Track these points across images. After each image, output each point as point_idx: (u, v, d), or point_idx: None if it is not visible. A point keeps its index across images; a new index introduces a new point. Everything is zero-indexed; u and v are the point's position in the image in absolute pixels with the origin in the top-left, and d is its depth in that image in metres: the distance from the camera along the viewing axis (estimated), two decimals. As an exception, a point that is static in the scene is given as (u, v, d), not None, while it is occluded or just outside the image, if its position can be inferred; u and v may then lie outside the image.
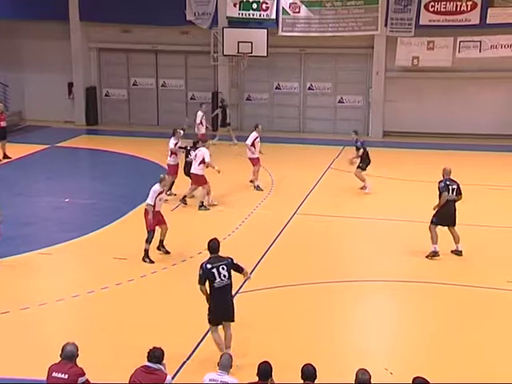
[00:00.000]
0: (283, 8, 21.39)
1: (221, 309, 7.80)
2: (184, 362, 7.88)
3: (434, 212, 11.22)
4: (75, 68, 23.36)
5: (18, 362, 7.95)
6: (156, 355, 6.08)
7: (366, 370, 5.91)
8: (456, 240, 11.31)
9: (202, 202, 14.02)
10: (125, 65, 23.99)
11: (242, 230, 12.87)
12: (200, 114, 18.70)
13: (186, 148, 14.58)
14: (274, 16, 21.51)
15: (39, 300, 9.52)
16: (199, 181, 13.91)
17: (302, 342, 8.48)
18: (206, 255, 11.33)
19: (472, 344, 8.44)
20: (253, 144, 15.53)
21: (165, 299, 9.75)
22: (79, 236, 12.29)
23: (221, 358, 6.26)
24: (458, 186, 11.28)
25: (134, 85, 24.17)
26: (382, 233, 12.90)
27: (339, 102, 23.18)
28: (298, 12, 21.33)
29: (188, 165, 14.36)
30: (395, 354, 8.35)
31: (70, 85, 23.70)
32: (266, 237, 12.37)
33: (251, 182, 15.66)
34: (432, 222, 11.18)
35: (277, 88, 23.46)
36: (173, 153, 14.47)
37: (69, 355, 6.08)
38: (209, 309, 7.84)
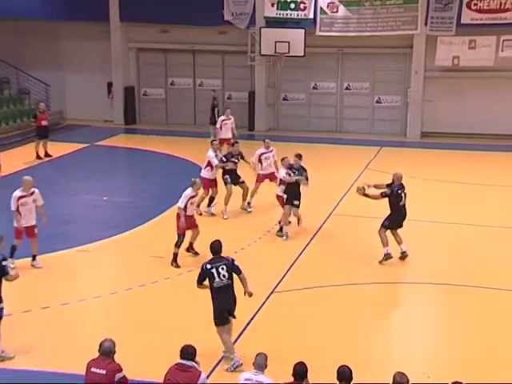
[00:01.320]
0: (321, 8, 21.27)
1: (223, 308, 7.88)
2: (219, 361, 7.91)
3: (386, 216, 11.33)
4: (114, 68, 23.70)
5: (58, 356, 8.11)
6: (189, 352, 6.12)
7: (403, 373, 5.84)
8: (399, 242, 11.29)
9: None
10: (163, 65, 24.23)
11: (275, 230, 12.85)
12: (221, 118, 18.20)
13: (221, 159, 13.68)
14: (311, 16, 21.42)
15: (78, 296, 9.69)
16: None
17: (337, 343, 8.43)
18: (238, 256, 11.46)
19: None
20: (259, 160, 13.83)
21: (201, 297, 9.77)
22: (117, 234, 12.46)
23: (256, 357, 6.26)
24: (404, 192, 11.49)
25: (171, 84, 24.38)
26: (418, 234, 12.72)
27: (377, 102, 22.96)
28: (336, 12, 21.19)
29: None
30: (433, 357, 8.22)
31: (110, 84, 24.05)
32: (301, 237, 12.33)
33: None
34: (383, 226, 11.22)
35: (314, 88, 23.37)
36: (208, 165, 13.50)
37: (106, 351, 6.17)
38: (213, 309, 7.91)
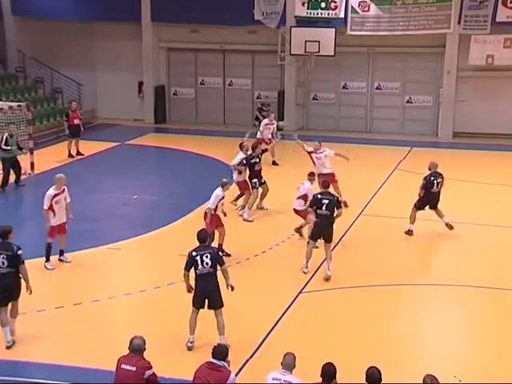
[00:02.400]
0: (352, 7, 21.13)
1: (203, 294, 8.21)
2: (247, 360, 7.91)
3: (418, 198, 12.41)
4: (145, 67, 23.91)
5: (89, 351, 8.21)
6: (221, 352, 6.14)
7: (434, 375, 5.77)
8: (441, 216, 12.44)
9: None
10: (193, 64, 24.36)
11: (305, 229, 12.80)
12: (265, 121, 18.04)
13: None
14: (342, 15, 21.29)
15: (108, 293, 9.79)
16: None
17: (366, 344, 8.36)
18: (268, 255, 11.44)
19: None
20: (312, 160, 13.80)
21: (229, 297, 9.80)
22: (147, 232, 12.56)
23: (284, 356, 6.24)
24: (443, 179, 12.45)
25: (201, 84, 24.50)
26: (448, 236, 12.56)
27: (407, 101, 22.73)
28: (368, 11, 21.03)
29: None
30: (464, 361, 8.09)
31: (140, 84, 24.28)
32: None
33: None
34: (414, 206, 12.47)
35: (344, 87, 23.24)
36: (235, 169, 13.71)
37: (136, 348, 6.22)
38: (194, 293, 8.29)
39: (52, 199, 10.65)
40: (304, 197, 12.03)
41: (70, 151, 18.60)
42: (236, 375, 6.92)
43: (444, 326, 9.14)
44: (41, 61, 23.78)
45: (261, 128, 17.91)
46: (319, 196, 10.62)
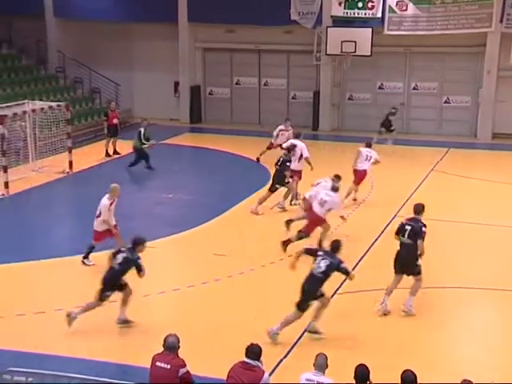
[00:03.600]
0: (390, 6, 20.91)
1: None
2: (281, 360, 7.90)
3: None
4: (181, 67, 24.10)
5: (124, 349, 8.31)
6: (254, 351, 6.14)
7: (470, 380, 5.67)
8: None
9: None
10: (228, 64, 24.45)
11: (341, 230, 12.72)
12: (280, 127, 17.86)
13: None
14: (379, 14, 21.08)
15: (143, 291, 9.87)
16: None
17: (400, 346, 8.26)
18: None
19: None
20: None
21: (262, 296, 9.82)
22: (181, 231, 12.65)
23: (316, 357, 6.22)
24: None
25: (236, 84, 24.57)
26: (485, 239, 12.33)
27: (445, 102, 22.40)
28: (406, 10, 20.78)
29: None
30: (504, 367, 7.92)
31: (176, 84, 24.47)
32: (365, 238, 12.16)
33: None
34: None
35: (380, 88, 23.02)
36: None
37: (170, 346, 6.27)
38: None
39: (109, 210, 10.70)
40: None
41: (107, 150, 18.88)
42: (269, 375, 6.92)
43: (482, 330, 8.97)
44: (80, 61, 24.21)
45: (275, 132, 17.67)
46: (404, 221, 9.42)
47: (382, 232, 12.53)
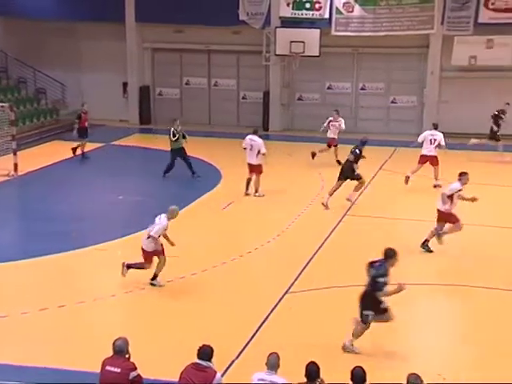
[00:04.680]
0: (337, 7, 21.23)
1: None
2: (233, 361, 7.92)
3: None
4: (130, 68, 23.83)
5: (73, 353, 8.16)
6: (206, 352, 6.14)
7: (417, 374, 5.82)
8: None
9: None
10: (178, 64, 24.32)
11: (291, 229, 12.85)
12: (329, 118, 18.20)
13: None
14: (327, 15, 21.38)
15: (94, 295, 9.74)
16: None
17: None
18: (253, 256, 11.45)
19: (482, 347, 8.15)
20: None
21: (215, 297, 9.82)
22: (133, 233, 12.48)
23: (268, 357, 6.26)
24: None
25: (186, 84, 24.47)
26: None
27: (392, 102, 22.88)
28: (352, 11, 21.13)
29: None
30: (449, 359, 8.15)
31: (125, 84, 24.19)
32: (316, 237, 12.31)
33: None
34: None
35: (328, 88, 23.34)
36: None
37: (117, 350, 6.21)
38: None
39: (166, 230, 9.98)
40: (451, 197, 11.41)
41: (83, 150, 18.53)
42: (222, 376, 6.94)
43: (429, 325, 9.20)
44: (24, 61, 23.60)
45: (325, 124, 18.12)
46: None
47: (332, 232, 12.70)
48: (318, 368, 6.02)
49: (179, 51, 23.92)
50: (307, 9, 21.51)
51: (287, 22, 21.93)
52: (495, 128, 18.89)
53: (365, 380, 5.91)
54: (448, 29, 20.79)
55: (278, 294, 9.75)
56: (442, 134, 15.92)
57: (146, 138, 22.55)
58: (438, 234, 11.50)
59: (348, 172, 14.01)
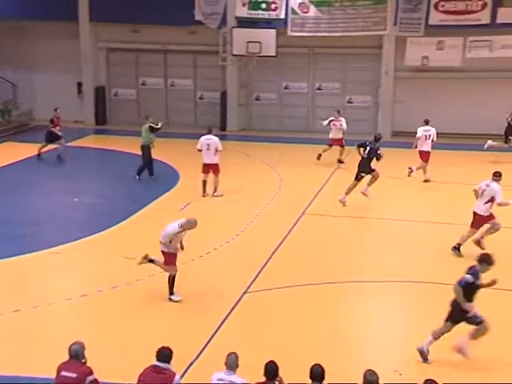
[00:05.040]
0: (292, 8, 21.38)
1: None
2: (192, 362, 7.89)
3: None
4: (84, 68, 23.47)
5: (28, 360, 7.99)
6: (165, 354, 6.10)
7: (373, 370, 5.91)
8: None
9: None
10: (134, 64, 24.08)
11: (250, 229, 12.88)
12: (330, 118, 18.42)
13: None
14: (283, 16, 21.50)
15: (48, 299, 9.56)
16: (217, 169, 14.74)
17: (310, 341, 8.47)
18: (211, 256, 11.44)
19: (482, 347, 8.36)
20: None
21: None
22: (88, 235, 12.33)
23: (227, 357, 6.26)
24: None
25: (142, 84, 24.26)
26: (388, 232, 12.88)
27: (348, 102, 23.16)
28: (307, 12, 21.31)
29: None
30: (406, 355, 8.30)
31: (80, 85, 23.81)
32: (274, 237, 12.36)
33: None
34: None
35: (285, 88, 23.48)
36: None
37: (73, 354, 6.11)
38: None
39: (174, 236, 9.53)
40: (492, 200, 11.03)
41: (40, 152, 18.24)
42: (181, 377, 6.91)
43: (384, 321, 9.35)
44: (-29, 60, 23.01)
45: (325, 122, 18.40)
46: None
47: (290, 231, 12.78)
48: (276, 367, 6.05)
49: (135, 51, 23.69)
50: (263, 9, 21.60)
51: (243, 22, 21.96)
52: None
53: (323, 378, 5.96)
54: (400, 30, 21.18)
55: (236, 294, 9.76)
56: (434, 130, 16.57)
57: (102, 138, 22.26)
58: (478, 240, 11.22)
59: (365, 168, 14.26)
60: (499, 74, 21.23)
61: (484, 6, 20.34)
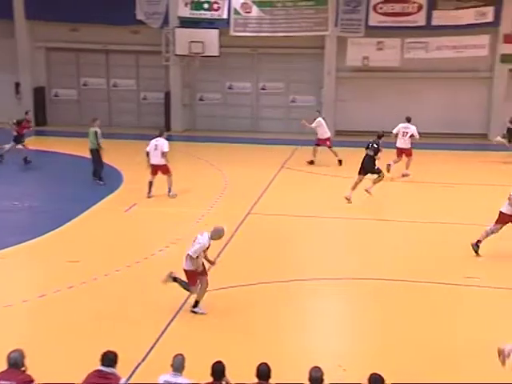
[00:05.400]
0: (235, 8, 21.43)
1: None
2: (138, 365, 7.81)
3: None
4: (22, 68, 22.85)
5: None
6: (109, 358, 6.01)
7: (318, 367, 5.99)
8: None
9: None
10: (74, 65, 23.61)
11: (195, 230, 12.80)
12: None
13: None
14: (225, 16, 21.52)
15: (-13, 306, 9.27)
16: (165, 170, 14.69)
17: (255, 341, 8.51)
18: (157, 258, 11.35)
19: (428, 339, 8.58)
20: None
21: (118, 301, 9.64)
22: (30, 239, 12.03)
23: (173, 358, 6.23)
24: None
25: (84, 85, 23.82)
26: (333, 231, 13.08)
27: (292, 101, 23.38)
28: (250, 12, 21.41)
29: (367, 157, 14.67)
30: (349, 351, 8.46)
31: (18, 85, 23.16)
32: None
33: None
34: None
35: (229, 88, 23.51)
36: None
37: (12, 363, 5.94)
38: None
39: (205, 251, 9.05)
40: None
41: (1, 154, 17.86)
42: (127, 380, 6.83)
43: (328, 318, 9.48)
44: None
45: (314, 124, 18.28)
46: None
47: (236, 231, 12.80)
48: (223, 367, 6.06)
49: (75, 51, 23.24)
50: (205, 9, 21.56)
51: (186, 22, 21.86)
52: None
53: (269, 376, 6.01)
54: (342, 30, 21.56)
55: (183, 295, 9.70)
56: (414, 127, 16.85)
57: (42, 140, 21.69)
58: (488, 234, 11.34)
59: (368, 166, 14.54)
60: (435, 74, 21.89)
61: (420, 8, 20.95)
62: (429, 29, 20.81)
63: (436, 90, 22.24)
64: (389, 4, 21.17)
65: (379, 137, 15.11)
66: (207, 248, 8.99)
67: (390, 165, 16.66)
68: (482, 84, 22.09)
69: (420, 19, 20.92)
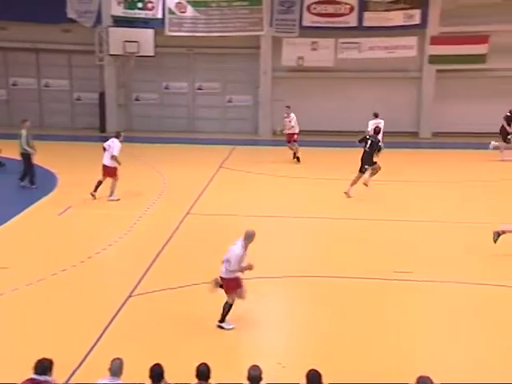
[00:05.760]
0: (169, 8, 21.27)
1: None
2: (75, 370, 7.63)
3: None
4: None
5: None
6: (43, 366, 5.84)
7: (257, 365, 6.02)
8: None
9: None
10: (2, 64, 22.86)
11: (133, 231, 12.65)
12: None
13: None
14: (160, 15, 21.33)
15: None
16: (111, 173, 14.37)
17: (196, 341, 8.47)
18: (94, 260, 11.13)
19: (371, 338, 8.73)
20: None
21: (53, 306, 9.38)
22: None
23: (112, 362, 6.13)
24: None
25: (13, 85, 23.09)
26: (274, 229, 13.15)
27: (228, 101, 23.41)
28: (185, 12, 21.30)
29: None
30: (288, 348, 8.52)
31: None
32: (158, 238, 12.23)
33: None
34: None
35: (166, 88, 23.32)
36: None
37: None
38: None
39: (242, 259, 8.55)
40: None
41: None
42: (63, 387, 6.66)
43: (269, 317, 9.54)
44: None
45: (293, 123, 18.27)
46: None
47: (175, 231, 12.70)
48: (162, 369, 6.01)
49: (3, 50, 22.49)
50: (139, 8, 21.30)
51: (120, 22, 21.53)
52: (510, 129, 19.26)
53: (209, 377, 6.01)
54: (276, 30, 21.75)
55: (121, 297, 9.55)
56: (383, 121, 17.20)
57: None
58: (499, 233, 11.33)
59: (367, 161, 14.71)
60: (368, 74, 22.40)
61: (351, 9, 21.40)
62: (361, 30, 21.29)
63: (369, 89, 22.76)
64: (322, 5, 21.52)
65: (376, 132, 15.28)
66: (243, 259, 8.56)
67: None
68: (412, 84, 22.77)
69: (352, 20, 21.37)
